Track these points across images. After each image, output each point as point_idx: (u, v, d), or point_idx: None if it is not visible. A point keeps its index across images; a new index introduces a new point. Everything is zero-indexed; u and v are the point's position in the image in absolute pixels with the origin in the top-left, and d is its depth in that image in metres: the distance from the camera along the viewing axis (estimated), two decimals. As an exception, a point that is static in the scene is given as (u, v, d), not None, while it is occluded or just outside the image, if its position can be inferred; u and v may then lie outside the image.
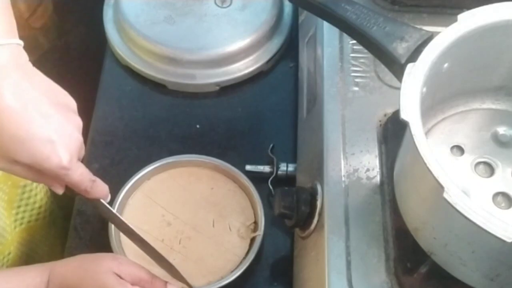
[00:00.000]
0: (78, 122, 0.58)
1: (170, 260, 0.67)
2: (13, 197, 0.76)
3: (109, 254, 0.65)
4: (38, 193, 0.79)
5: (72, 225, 0.76)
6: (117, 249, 0.70)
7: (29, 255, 0.78)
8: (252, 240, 0.72)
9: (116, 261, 0.60)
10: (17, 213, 0.77)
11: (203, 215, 0.74)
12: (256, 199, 0.73)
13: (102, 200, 0.62)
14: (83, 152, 0.60)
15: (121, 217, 0.66)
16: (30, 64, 0.56)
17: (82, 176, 0.58)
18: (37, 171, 0.55)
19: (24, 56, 0.55)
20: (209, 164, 0.77)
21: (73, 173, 0.56)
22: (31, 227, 0.80)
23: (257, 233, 0.71)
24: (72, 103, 0.58)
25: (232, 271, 0.69)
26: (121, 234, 0.71)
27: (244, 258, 0.70)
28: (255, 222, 0.73)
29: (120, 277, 0.59)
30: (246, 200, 0.75)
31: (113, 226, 0.70)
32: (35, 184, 0.79)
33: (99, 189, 0.61)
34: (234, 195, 0.76)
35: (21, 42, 0.56)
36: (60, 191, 0.59)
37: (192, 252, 0.71)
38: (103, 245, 0.71)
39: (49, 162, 0.53)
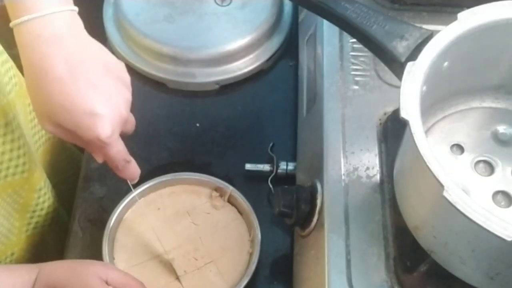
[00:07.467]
0: (127, 96, 0.57)
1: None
2: (29, 201, 0.76)
3: (99, 261, 0.66)
4: (50, 197, 0.80)
5: (72, 225, 0.75)
6: (107, 257, 0.69)
7: (37, 259, 0.78)
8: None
9: (104, 267, 0.61)
10: (31, 217, 0.78)
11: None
12: (255, 226, 0.71)
13: (128, 181, 0.64)
14: (130, 127, 0.61)
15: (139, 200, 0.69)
16: (85, 32, 0.56)
17: (118, 154, 0.59)
18: (79, 138, 0.56)
19: (79, 23, 0.55)
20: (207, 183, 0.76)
21: (111, 149, 0.57)
22: (45, 232, 0.81)
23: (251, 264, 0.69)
24: (124, 75, 0.58)
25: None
26: (115, 242, 0.71)
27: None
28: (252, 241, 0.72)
29: (107, 283, 0.59)
30: (242, 223, 0.74)
31: (107, 235, 0.70)
32: (49, 188, 0.79)
33: (130, 171, 0.62)
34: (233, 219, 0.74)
35: (76, 8, 0.55)
36: (100, 160, 0.60)
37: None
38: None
39: (89, 133, 0.54)
